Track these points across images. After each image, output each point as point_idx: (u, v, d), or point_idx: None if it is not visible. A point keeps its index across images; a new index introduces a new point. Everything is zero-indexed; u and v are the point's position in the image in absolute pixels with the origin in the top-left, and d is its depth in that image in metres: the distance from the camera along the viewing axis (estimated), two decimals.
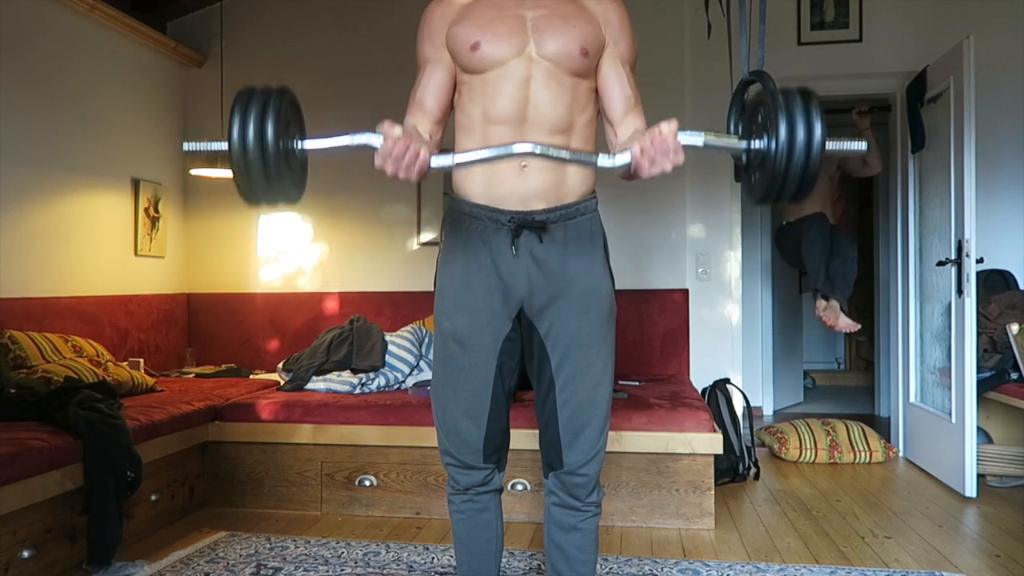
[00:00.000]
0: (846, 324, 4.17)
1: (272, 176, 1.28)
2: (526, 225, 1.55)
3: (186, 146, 1.34)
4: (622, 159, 1.36)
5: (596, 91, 1.64)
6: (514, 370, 1.67)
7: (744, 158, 1.39)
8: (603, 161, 1.37)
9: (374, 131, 1.33)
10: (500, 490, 1.76)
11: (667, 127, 1.32)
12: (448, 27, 1.60)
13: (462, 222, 1.61)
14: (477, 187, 1.59)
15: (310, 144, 1.35)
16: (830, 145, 1.25)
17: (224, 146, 1.27)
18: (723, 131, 2.47)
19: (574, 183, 1.59)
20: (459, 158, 1.37)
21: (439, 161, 1.36)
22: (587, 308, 1.60)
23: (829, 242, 4.20)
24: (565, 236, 1.59)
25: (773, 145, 1.26)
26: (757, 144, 1.32)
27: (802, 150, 1.24)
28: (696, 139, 1.31)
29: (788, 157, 1.25)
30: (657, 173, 1.34)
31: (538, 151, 1.33)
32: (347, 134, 1.33)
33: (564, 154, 1.37)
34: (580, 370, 1.60)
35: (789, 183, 1.28)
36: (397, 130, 1.34)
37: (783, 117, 1.25)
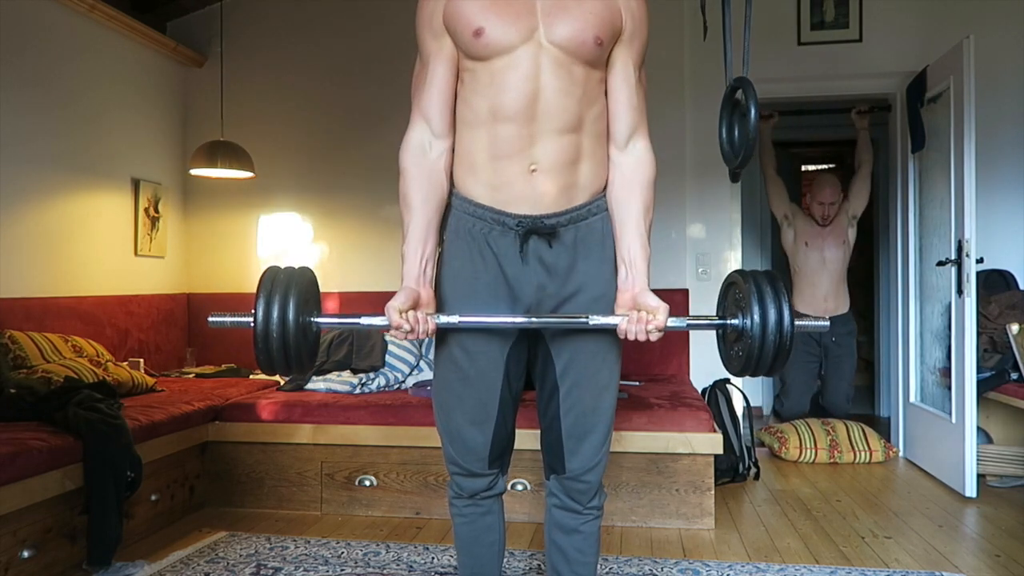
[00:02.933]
0: None
1: (290, 351, 1.41)
2: (535, 231, 1.49)
3: (211, 319, 1.49)
4: (611, 319, 1.48)
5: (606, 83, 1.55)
6: (521, 375, 1.63)
7: (721, 332, 1.56)
8: (595, 321, 1.48)
9: (383, 312, 1.44)
10: (503, 492, 1.73)
11: (657, 324, 1.44)
12: (445, 7, 1.47)
13: (464, 222, 1.54)
14: (481, 188, 1.51)
15: (325, 320, 1.49)
16: (798, 323, 1.45)
17: (249, 320, 1.42)
18: (718, 153, 2.46)
19: (586, 182, 1.52)
20: (464, 321, 1.47)
21: (445, 320, 1.47)
22: (596, 314, 1.55)
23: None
24: (575, 239, 1.53)
25: (748, 324, 1.44)
26: (732, 322, 1.49)
27: (774, 330, 1.42)
28: (679, 323, 1.49)
29: (762, 336, 1.42)
30: (631, 339, 1.47)
31: (539, 324, 1.49)
32: (359, 316, 1.48)
33: (559, 321, 1.50)
34: (585, 377, 1.57)
35: (764, 359, 1.44)
36: (402, 306, 1.42)
37: (755, 301, 1.42)
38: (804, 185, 4.52)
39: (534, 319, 1.47)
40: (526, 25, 1.44)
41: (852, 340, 4.31)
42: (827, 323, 1.52)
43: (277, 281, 1.41)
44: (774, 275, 1.46)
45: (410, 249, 1.51)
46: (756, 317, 1.41)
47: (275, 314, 1.38)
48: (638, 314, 1.46)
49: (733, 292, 1.52)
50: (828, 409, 4.34)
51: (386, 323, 1.43)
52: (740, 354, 1.48)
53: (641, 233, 1.53)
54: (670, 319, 1.45)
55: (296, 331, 1.39)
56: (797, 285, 4.31)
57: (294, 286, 1.39)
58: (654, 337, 1.44)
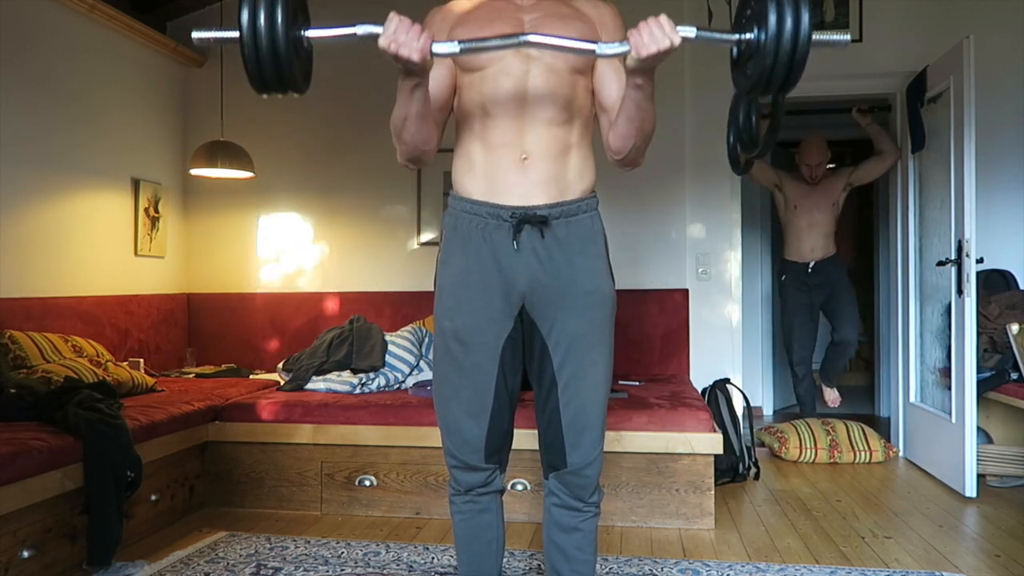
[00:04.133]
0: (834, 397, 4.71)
1: (282, 63, 1.31)
2: (528, 220, 1.55)
3: (195, 34, 1.37)
4: (622, 46, 1.38)
5: (593, 93, 1.65)
6: (517, 370, 1.67)
7: (735, 51, 1.45)
8: (602, 49, 1.37)
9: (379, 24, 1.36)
10: (502, 491, 1.76)
11: (663, 16, 1.36)
12: (448, 32, 1.61)
13: (462, 219, 1.61)
14: (477, 182, 1.59)
15: (316, 33, 1.38)
16: (816, 36, 1.32)
17: (235, 34, 1.31)
18: (723, 124, 2.47)
19: (575, 175, 1.61)
20: (464, 45, 1.37)
21: (441, 48, 1.36)
22: (590, 307, 1.60)
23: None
24: (567, 233, 1.59)
25: (763, 36, 1.33)
26: (747, 36, 1.38)
27: (790, 39, 1.31)
28: (689, 32, 1.36)
29: (777, 47, 1.32)
30: (655, 52, 1.34)
31: (541, 40, 1.37)
32: (352, 25, 1.36)
33: (566, 42, 1.39)
34: (583, 370, 1.60)
35: (778, 72, 1.34)
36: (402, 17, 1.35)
37: (772, 6, 1.32)
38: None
39: (532, 38, 1.37)
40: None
41: (842, 276, 4.44)
42: (846, 38, 1.39)
43: None
44: None
45: None
46: (772, 25, 1.31)
47: (262, 24, 1.29)
48: (642, 23, 1.36)
49: (749, 6, 1.42)
50: (840, 344, 4.43)
51: (381, 29, 1.34)
52: (753, 71, 1.39)
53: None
54: (680, 27, 1.36)
55: (286, 44, 1.30)
56: (786, 238, 4.53)
57: None
58: (674, 37, 1.33)
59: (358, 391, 3.42)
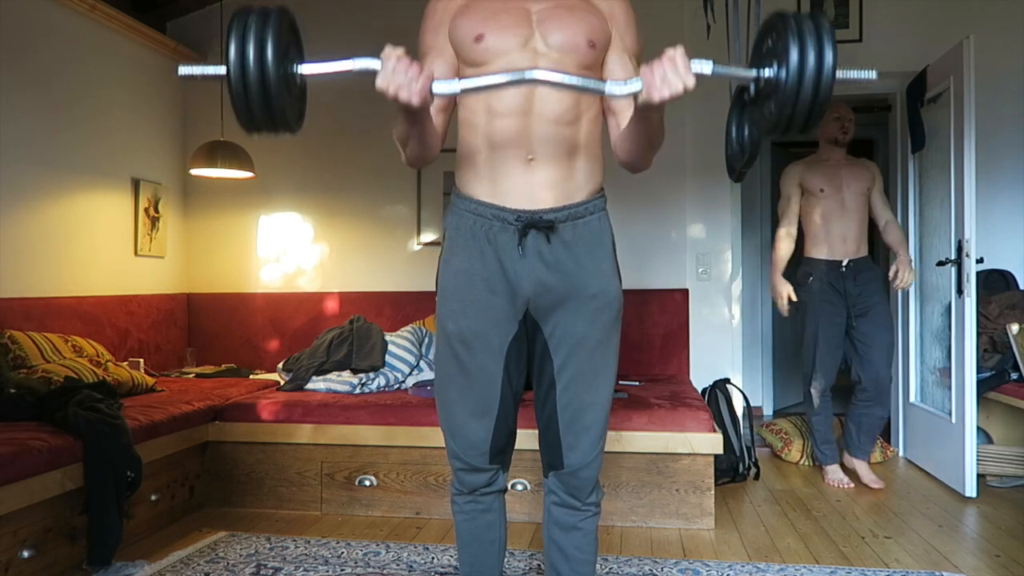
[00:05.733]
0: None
1: (272, 101, 1.21)
2: (533, 224, 1.51)
3: (182, 70, 1.27)
4: (632, 85, 1.30)
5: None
6: (522, 370, 1.64)
7: (752, 88, 1.35)
8: (612, 88, 1.31)
9: (376, 57, 1.29)
10: (504, 490, 1.75)
11: (674, 50, 1.27)
12: (451, 21, 1.56)
13: (465, 219, 1.57)
14: (481, 183, 1.55)
15: (309, 68, 1.27)
16: (840, 74, 1.22)
17: (221, 70, 1.20)
18: (723, 132, 2.46)
19: (583, 177, 1.56)
20: (465, 84, 1.30)
21: (441, 87, 1.30)
22: (595, 311, 1.56)
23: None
24: (574, 236, 1.55)
25: (784, 73, 1.22)
26: (767, 72, 1.27)
27: (812, 77, 1.20)
28: (705, 67, 1.26)
29: (798, 86, 1.21)
30: (667, 96, 1.27)
31: (548, 78, 1.30)
32: (348, 59, 1.28)
33: (574, 80, 1.32)
34: (583, 373, 1.58)
35: (799, 111, 1.24)
36: (400, 50, 1.27)
37: (794, 42, 1.20)
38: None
39: (537, 75, 1.29)
40: (522, 33, 1.52)
41: (881, 288, 3.55)
42: (872, 74, 1.26)
43: (250, 25, 1.19)
44: (818, 15, 1.25)
45: None
46: (794, 63, 1.20)
47: (251, 59, 1.17)
48: (658, 57, 1.27)
49: (769, 39, 1.30)
50: (865, 382, 3.49)
51: (380, 63, 1.26)
52: (772, 111, 1.28)
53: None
54: (695, 61, 1.26)
55: (277, 81, 1.19)
56: (810, 232, 3.61)
57: (271, 31, 1.19)
58: (688, 79, 1.26)
59: (358, 391, 3.42)
